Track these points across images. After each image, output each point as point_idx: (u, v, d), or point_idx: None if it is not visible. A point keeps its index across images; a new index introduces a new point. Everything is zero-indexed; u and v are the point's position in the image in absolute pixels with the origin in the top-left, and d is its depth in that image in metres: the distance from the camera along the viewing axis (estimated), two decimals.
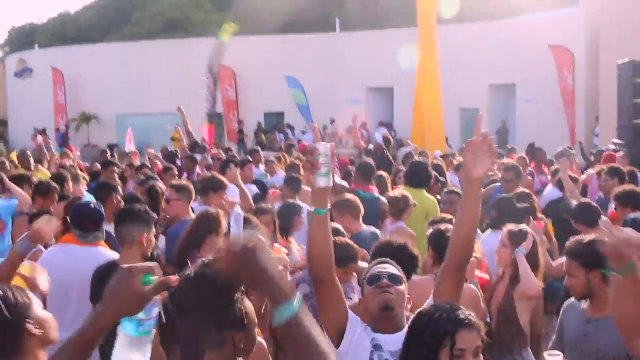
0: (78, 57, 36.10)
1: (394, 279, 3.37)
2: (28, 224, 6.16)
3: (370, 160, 9.18)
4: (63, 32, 49.76)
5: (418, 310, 2.75)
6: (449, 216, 5.93)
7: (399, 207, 6.94)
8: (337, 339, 3.26)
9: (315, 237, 3.14)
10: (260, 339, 3.90)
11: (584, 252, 3.91)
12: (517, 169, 8.54)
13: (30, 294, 2.84)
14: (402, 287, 3.37)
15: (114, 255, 5.07)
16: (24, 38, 54.26)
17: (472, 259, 4.88)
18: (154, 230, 4.82)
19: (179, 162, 12.59)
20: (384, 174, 9.08)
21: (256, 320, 2.91)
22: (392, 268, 3.48)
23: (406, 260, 4.26)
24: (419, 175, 8.10)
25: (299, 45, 31.08)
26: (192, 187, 7.06)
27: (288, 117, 31.30)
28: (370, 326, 3.31)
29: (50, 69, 35.26)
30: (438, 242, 4.71)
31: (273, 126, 31.78)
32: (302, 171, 9.01)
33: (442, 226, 5.01)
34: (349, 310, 3.33)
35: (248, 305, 2.86)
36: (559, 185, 8.62)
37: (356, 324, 3.30)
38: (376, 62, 28.17)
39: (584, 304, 4.03)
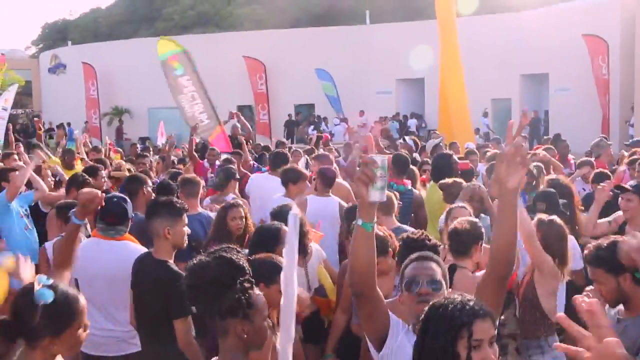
0: (110, 52, 36.43)
1: (433, 286, 3.26)
2: (56, 218, 6.30)
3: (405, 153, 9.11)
4: (95, 27, 50.32)
5: (431, 303, 2.70)
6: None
7: (452, 192, 6.91)
8: (378, 345, 3.21)
9: (359, 251, 3.03)
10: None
11: (608, 258, 3.74)
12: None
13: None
14: (442, 292, 3.24)
15: (135, 248, 5.11)
16: (57, 34, 54.96)
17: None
18: (184, 220, 4.82)
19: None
20: (414, 168, 9.02)
21: (266, 314, 2.90)
22: (432, 268, 3.35)
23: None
24: (443, 169, 8.02)
25: (330, 38, 31.02)
26: (196, 181, 7.12)
27: (318, 108, 31.32)
28: (413, 325, 3.23)
29: (82, 65, 35.63)
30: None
31: (303, 118, 31.81)
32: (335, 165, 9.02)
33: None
34: (391, 316, 3.23)
35: (256, 296, 2.88)
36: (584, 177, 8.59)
37: (397, 329, 3.22)
38: (406, 54, 28.03)
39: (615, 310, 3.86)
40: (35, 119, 31.04)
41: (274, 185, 8.05)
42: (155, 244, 4.73)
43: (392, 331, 3.20)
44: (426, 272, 3.29)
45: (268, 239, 4.71)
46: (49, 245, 6.06)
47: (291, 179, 7.35)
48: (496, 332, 2.60)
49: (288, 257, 2.62)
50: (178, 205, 4.84)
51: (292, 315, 3.32)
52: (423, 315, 2.68)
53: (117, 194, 5.59)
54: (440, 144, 12.54)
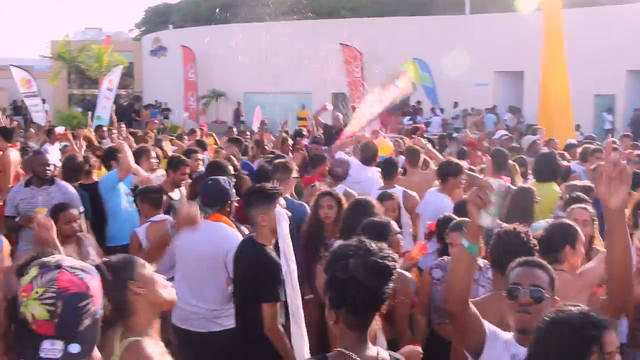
0: (209, 36, 37.10)
1: (535, 296, 3.12)
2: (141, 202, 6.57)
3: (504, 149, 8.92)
4: (195, 11, 51.26)
5: (547, 318, 2.55)
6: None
7: None
8: (475, 356, 3.12)
9: (459, 272, 2.97)
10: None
11: None
12: None
13: (135, 257, 3.00)
14: (545, 303, 3.09)
15: (229, 231, 5.31)
16: (159, 18, 56.36)
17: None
18: (276, 204, 4.81)
19: (305, 142, 12.66)
20: (514, 162, 8.79)
21: None
22: (537, 276, 3.19)
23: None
24: (546, 168, 7.77)
25: (428, 27, 30.65)
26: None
27: (414, 99, 31.01)
28: (515, 335, 3.13)
29: (181, 48, 36.45)
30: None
31: (396, 108, 31.52)
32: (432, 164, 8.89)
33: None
34: (487, 328, 3.12)
35: None
36: None
37: (495, 340, 3.10)
38: (506, 45, 27.40)
39: None
40: None
41: (369, 177, 8.10)
42: (255, 229, 4.84)
43: (489, 344, 3.09)
44: (531, 280, 3.16)
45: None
46: (140, 231, 6.19)
47: (452, 172, 7.26)
48: None
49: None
50: (270, 191, 4.86)
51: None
52: (540, 332, 2.56)
53: (217, 177, 5.70)
54: (538, 140, 12.20)
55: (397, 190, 7.30)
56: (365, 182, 8.06)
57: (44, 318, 2.09)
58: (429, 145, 9.64)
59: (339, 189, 7.42)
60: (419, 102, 29.96)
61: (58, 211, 5.78)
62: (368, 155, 8.98)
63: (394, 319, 4.51)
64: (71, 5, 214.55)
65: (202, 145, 10.93)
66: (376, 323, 2.80)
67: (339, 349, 2.70)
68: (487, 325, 3.12)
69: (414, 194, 7.47)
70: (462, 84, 29.07)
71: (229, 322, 5.10)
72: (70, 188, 7.21)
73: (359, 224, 4.78)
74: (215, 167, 7.26)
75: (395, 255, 2.70)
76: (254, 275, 4.58)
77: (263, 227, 4.72)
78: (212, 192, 5.42)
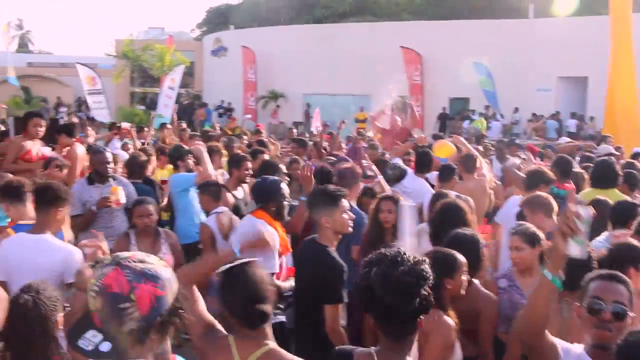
0: (269, 37, 37.39)
1: (618, 313, 2.98)
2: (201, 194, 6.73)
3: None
4: (256, 12, 51.67)
5: (630, 340, 2.51)
6: None
7: None
8: None
9: (539, 302, 2.90)
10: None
11: None
12: None
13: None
14: (626, 321, 2.99)
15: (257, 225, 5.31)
16: (220, 18, 57.02)
17: None
18: (342, 207, 4.78)
19: (364, 144, 12.62)
20: (582, 171, 8.56)
21: None
22: (619, 292, 3.05)
23: None
24: (604, 175, 7.52)
25: (490, 31, 30.22)
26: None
27: (473, 103, 30.70)
28: (588, 348, 3.03)
29: (241, 48, 36.76)
30: None
31: (456, 113, 31.29)
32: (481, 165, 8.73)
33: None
34: (561, 351, 3.02)
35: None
36: None
37: (568, 359, 3.02)
38: (570, 50, 26.87)
39: None
40: None
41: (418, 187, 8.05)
42: (318, 231, 4.83)
43: None
44: (613, 296, 3.01)
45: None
46: (210, 222, 6.36)
47: (544, 181, 7.11)
48: None
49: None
50: (334, 193, 4.84)
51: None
52: (622, 352, 2.51)
53: (270, 176, 5.85)
54: (612, 151, 11.74)
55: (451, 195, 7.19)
56: (414, 192, 7.88)
57: (93, 309, 2.12)
58: (468, 145, 9.45)
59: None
60: (487, 107, 29.51)
61: (134, 205, 6.02)
62: (422, 163, 8.89)
63: (477, 338, 4.41)
64: (135, 5, 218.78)
65: (263, 145, 10.99)
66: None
67: (369, 348, 2.71)
68: (560, 346, 3.04)
69: (469, 199, 7.33)
70: (524, 89, 28.63)
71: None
72: (131, 186, 7.36)
73: (447, 229, 4.75)
74: (267, 166, 7.40)
75: (429, 273, 2.64)
76: (316, 276, 4.57)
77: (326, 229, 4.71)
78: (258, 189, 5.60)
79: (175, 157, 8.73)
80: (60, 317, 3.39)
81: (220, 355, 3.02)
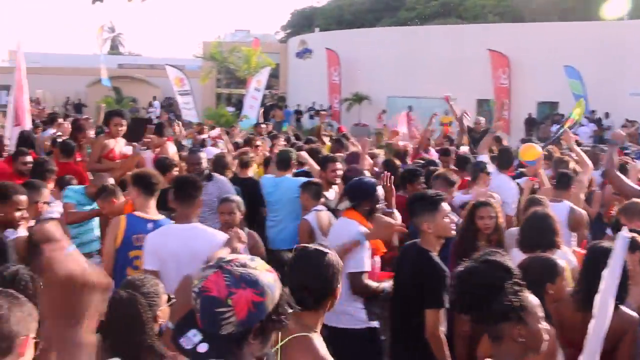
0: (353, 40, 37.45)
1: None
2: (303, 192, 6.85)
3: None
4: (339, 15, 51.93)
5: None
6: None
7: None
8: None
9: None
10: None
11: None
12: None
13: None
14: None
15: (353, 225, 5.27)
16: (304, 21, 57.55)
17: None
18: (442, 211, 4.73)
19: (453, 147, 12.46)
20: None
21: (540, 316, 2.76)
22: None
23: None
24: None
25: (580, 33, 29.38)
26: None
27: (562, 107, 29.90)
28: None
29: (325, 51, 36.93)
30: None
31: (545, 116, 30.55)
32: (572, 165, 8.44)
33: None
34: None
35: (528, 298, 2.77)
36: None
37: None
38: None
39: None
40: None
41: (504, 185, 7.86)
42: (420, 236, 4.81)
43: None
44: None
45: None
46: (310, 217, 6.56)
47: None
48: None
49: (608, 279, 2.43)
50: (434, 198, 4.82)
51: (599, 340, 3.09)
52: None
53: (367, 177, 5.88)
54: None
55: (564, 206, 6.96)
56: (497, 189, 7.75)
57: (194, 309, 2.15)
58: (577, 148, 9.05)
59: (457, 199, 7.29)
60: (593, 112, 28.53)
61: (219, 203, 6.22)
62: (503, 160, 8.76)
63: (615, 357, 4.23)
64: (221, 8, 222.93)
65: (341, 144, 10.97)
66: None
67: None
68: None
69: (583, 212, 7.07)
70: (616, 93, 27.69)
71: (358, 322, 5.07)
72: (227, 183, 7.46)
73: (535, 237, 4.64)
74: (353, 168, 7.51)
75: (514, 271, 2.62)
76: (418, 281, 4.55)
77: (428, 234, 4.70)
78: (354, 188, 5.53)
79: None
80: (161, 311, 3.44)
81: None
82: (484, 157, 8.84)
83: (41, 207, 5.51)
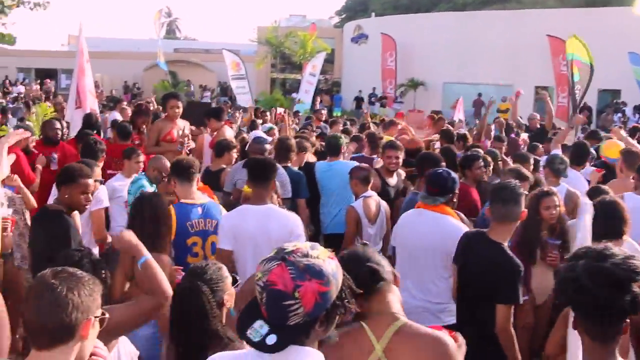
0: (409, 25, 37.10)
1: None
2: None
3: None
4: (396, 0, 51.48)
5: None
6: None
7: None
8: None
9: None
10: None
11: None
12: None
13: None
14: None
15: (455, 223, 5.24)
16: (359, 5, 57.27)
17: None
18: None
19: (513, 135, 12.24)
20: None
21: None
22: None
23: None
24: None
25: None
26: None
27: (625, 95, 29.14)
28: None
29: (381, 36, 36.67)
30: None
31: (606, 105, 29.84)
32: None
33: None
34: None
35: None
36: None
37: None
38: None
39: None
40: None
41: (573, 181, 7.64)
42: (491, 225, 4.73)
43: None
44: None
45: None
46: (357, 205, 6.61)
47: None
48: None
49: None
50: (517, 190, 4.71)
51: None
52: None
53: (445, 169, 5.69)
54: None
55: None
56: (567, 184, 7.53)
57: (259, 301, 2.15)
58: (630, 139, 8.72)
59: (562, 188, 7.06)
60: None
61: None
62: (578, 155, 8.51)
63: None
64: None
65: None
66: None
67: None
68: None
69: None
70: None
71: (450, 318, 5.00)
72: (281, 171, 7.43)
73: (602, 228, 4.48)
74: (426, 159, 7.28)
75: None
76: (491, 274, 4.42)
77: (503, 225, 4.62)
78: (442, 182, 5.34)
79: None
80: (227, 294, 3.46)
81: (356, 342, 2.88)
82: (558, 151, 8.55)
83: (94, 186, 5.57)
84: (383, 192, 7.30)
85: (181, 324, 3.35)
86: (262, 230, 4.93)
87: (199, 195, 5.60)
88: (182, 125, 9.18)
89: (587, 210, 3.89)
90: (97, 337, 2.61)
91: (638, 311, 2.43)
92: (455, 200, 5.41)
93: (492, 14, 36.45)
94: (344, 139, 8.43)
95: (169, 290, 3.38)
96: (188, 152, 8.79)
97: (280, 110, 12.48)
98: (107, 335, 2.89)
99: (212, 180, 7.56)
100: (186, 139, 8.92)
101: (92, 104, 11.24)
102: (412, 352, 2.84)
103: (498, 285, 4.35)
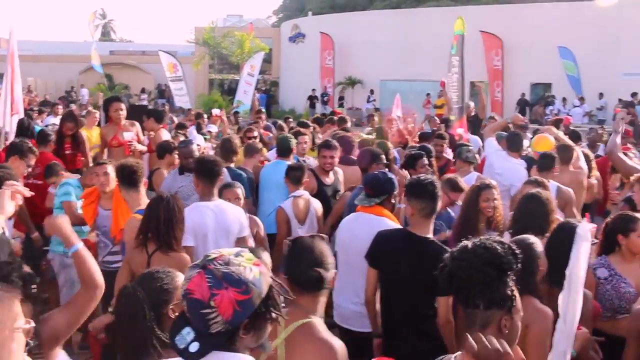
0: (346, 23, 37.29)
1: None
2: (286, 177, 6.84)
3: None
4: None
5: None
6: None
7: None
8: None
9: None
10: None
11: None
12: None
13: None
14: None
15: (393, 225, 5.11)
16: (297, 5, 57.28)
17: None
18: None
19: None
20: None
21: (521, 313, 2.69)
22: None
23: None
24: None
25: (574, 14, 29.26)
26: None
27: (556, 88, 29.90)
28: None
29: (320, 35, 36.79)
30: None
31: (539, 98, 30.55)
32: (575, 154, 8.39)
33: None
34: None
35: (516, 292, 2.65)
36: None
37: None
38: None
39: None
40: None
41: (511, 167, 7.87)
42: (412, 222, 4.74)
43: None
44: None
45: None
46: (286, 205, 6.61)
47: None
48: None
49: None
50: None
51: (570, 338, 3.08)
52: None
53: (382, 170, 5.64)
54: None
55: (551, 186, 6.93)
56: (507, 173, 7.74)
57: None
58: (563, 135, 8.98)
59: (471, 177, 7.24)
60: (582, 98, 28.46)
61: (222, 188, 6.08)
62: (514, 142, 8.71)
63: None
64: None
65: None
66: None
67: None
68: None
69: (570, 190, 7.10)
70: (610, 74, 27.63)
71: None
72: (225, 172, 7.38)
73: (531, 219, 4.58)
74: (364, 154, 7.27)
75: (507, 256, 2.54)
76: (429, 269, 4.35)
77: (423, 218, 4.64)
78: (376, 183, 5.24)
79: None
80: (175, 306, 3.33)
81: None
82: (491, 141, 8.73)
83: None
84: (319, 192, 7.31)
85: (115, 327, 3.29)
86: (219, 225, 5.10)
87: (146, 202, 5.34)
88: (134, 130, 9.12)
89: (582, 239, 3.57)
90: (40, 346, 2.57)
91: (507, 304, 2.53)
92: (393, 201, 5.30)
93: (427, 11, 36.92)
94: (294, 140, 8.44)
95: (100, 280, 3.28)
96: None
97: (216, 111, 12.33)
98: (49, 342, 2.84)
99: (150, 180, 7.66)
100: (135, 142, 8.88)
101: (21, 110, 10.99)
102: (304, 351, 3.01)
103: (437, 278, 4.31)
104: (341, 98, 34.42)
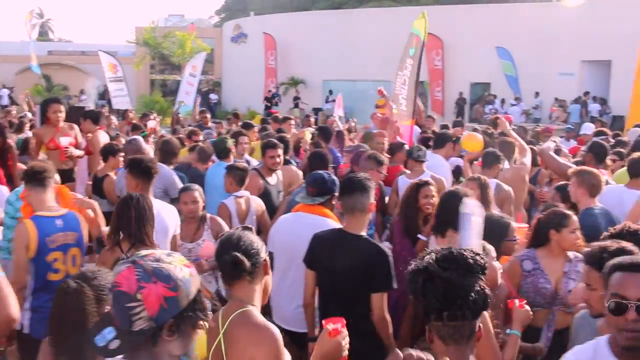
0: (288, 23, 37.32)
1: None
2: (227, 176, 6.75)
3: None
4: None
5: None
6: None
7: None
8: None
9: None
10: None
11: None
12: None
13: None
14: None
15: (328, 224, 5.03)
16: (239, 4, 56.97)
17: None
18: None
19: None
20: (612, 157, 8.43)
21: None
22: None
23: None
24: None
25: (511, 15, 29.84)
26: None
27: (495, 88, 30.46)
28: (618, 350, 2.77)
29: (263, 35, 36.73)
30: None
31: (479, 97, 31.08)
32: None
33: None
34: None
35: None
36: None
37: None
38: (593, 34, 26.46)
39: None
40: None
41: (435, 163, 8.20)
42: (344, 220, 4.73)
43: None
44: (638, 291, 2.63)
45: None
46: (229, 203, 6.57)
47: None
48: None
49: None
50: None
51: None
52: None
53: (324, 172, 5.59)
54: None
55: (491, 183, 7.08)
56: (431, 167, 8.00)
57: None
58: (514, 133, 9.16)
59: (426, 175, 7.36)
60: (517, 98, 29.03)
61: (180, 191, 6.17)
62: (439, 140, 9.15)
63: None
64: None
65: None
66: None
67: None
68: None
69: (508, 187, 7.26)
70: (545, 73, 28.27)
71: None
72: (168, 171, 7.33)
73: (452, 217, 4.66)
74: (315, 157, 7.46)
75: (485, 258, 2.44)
76: (364, 267, 4.41)
77: (361, 217, 4.61)
78: (320, 182, 5.24)
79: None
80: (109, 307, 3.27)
81: (214, 321, 3.08)
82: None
83: None
84: (265, 192, 7.31)
85: (62, 329, 3.12)
86: (159, 223, 5.03)
87: (55, 205, 5.11)
88: (73, 134, 8.96)
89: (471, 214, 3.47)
90: None
91: (487, 307, 2.41)
92: (334, 202, 5.25)
93: (369, 11, 37.16)
94: (231, 140, 8.42)
95: (14, 314, 3.19)
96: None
97: (151, 124, 12.07)
98: None
99: (97, 186, 7.65)
100: (72, 146, 8.74)
101: None
102: (244, 338, 3.00)
103: (372, 275, 4.35)
104: (296, 98, 34.35)
